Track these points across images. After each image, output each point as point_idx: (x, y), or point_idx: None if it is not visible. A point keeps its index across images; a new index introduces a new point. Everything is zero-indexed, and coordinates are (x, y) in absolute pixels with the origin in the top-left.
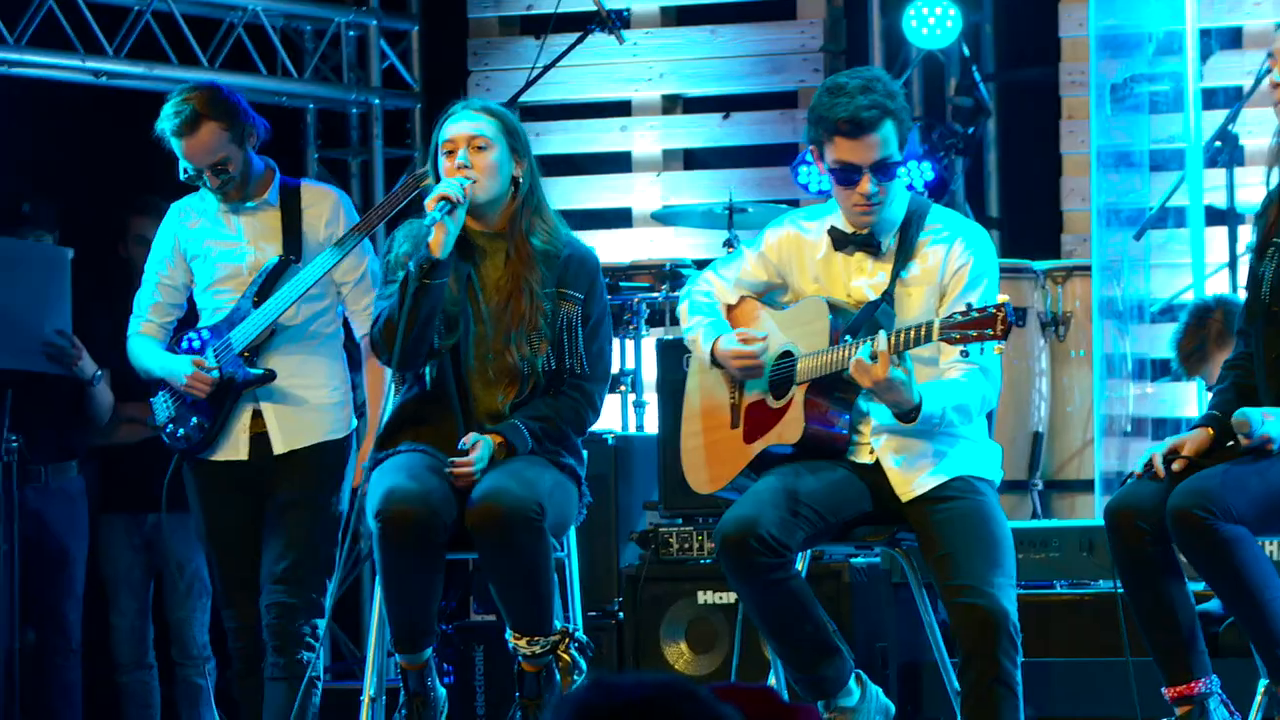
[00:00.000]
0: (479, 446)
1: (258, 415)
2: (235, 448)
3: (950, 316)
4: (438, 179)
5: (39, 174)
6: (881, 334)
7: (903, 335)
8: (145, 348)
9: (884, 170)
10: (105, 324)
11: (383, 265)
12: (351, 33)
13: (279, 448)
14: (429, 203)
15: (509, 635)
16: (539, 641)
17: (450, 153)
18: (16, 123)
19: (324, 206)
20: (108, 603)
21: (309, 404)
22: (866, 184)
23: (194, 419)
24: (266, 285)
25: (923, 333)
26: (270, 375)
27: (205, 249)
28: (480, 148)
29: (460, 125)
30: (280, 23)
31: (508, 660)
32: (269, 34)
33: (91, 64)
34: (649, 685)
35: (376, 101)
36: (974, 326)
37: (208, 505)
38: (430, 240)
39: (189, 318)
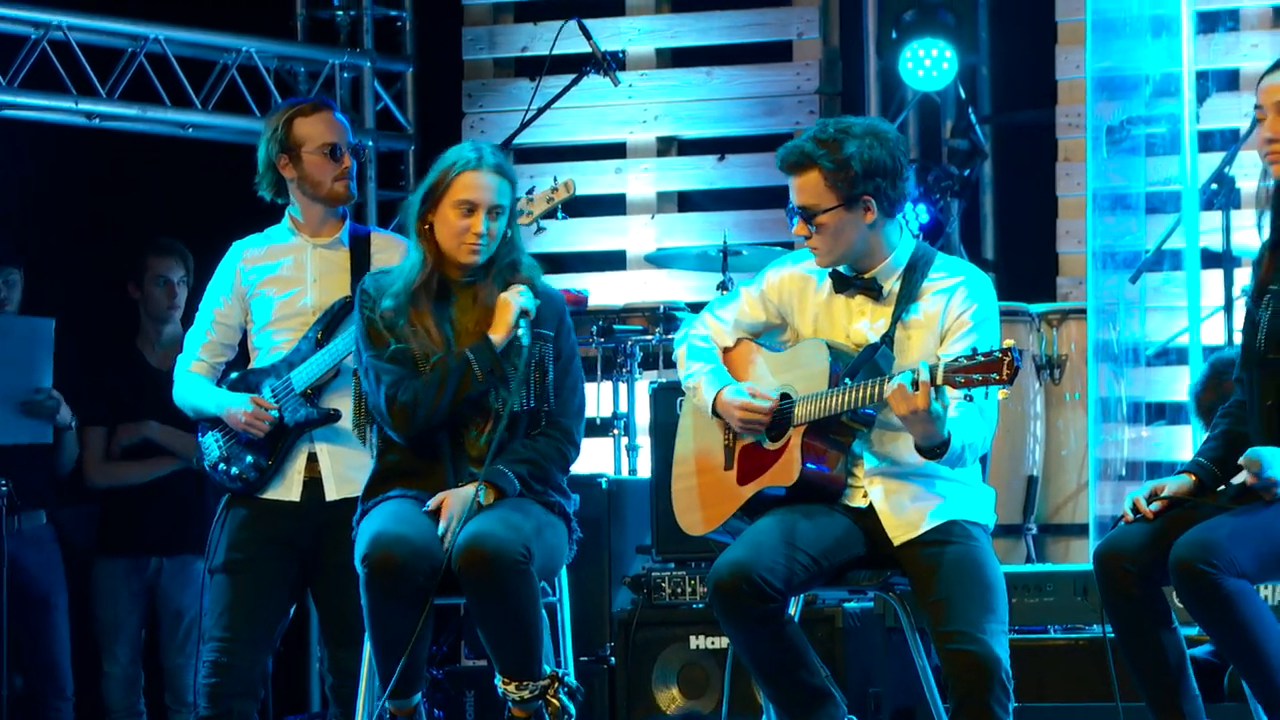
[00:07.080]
0: (446, 503)
1: (313, 459)
2: (288, 488)
3: (955, 360)
4: (431, 209)
5: (33, 215)
6: (923, 365)
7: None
8: (196, 386)
9: (806, 215)
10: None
11: (364, 323)
12: (346, 74)
13: (332, 494)
14: (513, 321)
15: (498, 680)
16: (528, 686)
17: (471, 210)
18: (8, 165)
19: (394, 254)
20: (99, 649)
21: (365, 451)
22: (801, 226)
23: (249, 457)
24: (331, 325)
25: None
26: (335, 415)
27: (268, 286)
28: (498, 215)
29: (485, 188)
30: (274, 64)
31: (498, 706)
32: (263, 76)
33: (85, 106)
34: None
35: (370, 143)
36: (979, 370)
37: (237, 538)
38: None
39: (237, 360)
